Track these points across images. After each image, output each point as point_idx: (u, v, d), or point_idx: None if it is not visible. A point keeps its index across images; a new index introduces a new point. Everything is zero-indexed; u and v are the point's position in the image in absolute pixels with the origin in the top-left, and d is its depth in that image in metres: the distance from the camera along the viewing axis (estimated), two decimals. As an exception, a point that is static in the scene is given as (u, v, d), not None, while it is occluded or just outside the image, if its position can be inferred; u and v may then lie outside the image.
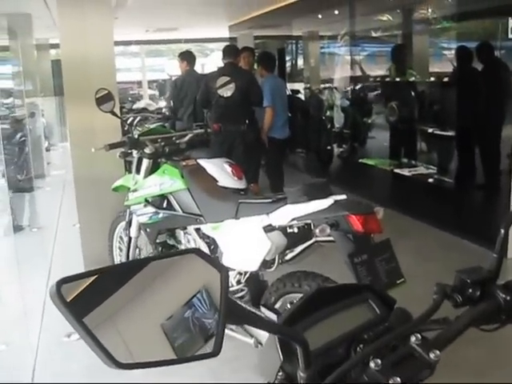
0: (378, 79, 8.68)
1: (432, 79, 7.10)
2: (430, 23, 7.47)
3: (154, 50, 21.00)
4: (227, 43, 14.01)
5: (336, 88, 9.39)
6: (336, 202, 2.54)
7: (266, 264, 2.84)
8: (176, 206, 3.35)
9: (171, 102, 7.18)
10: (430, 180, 6.61)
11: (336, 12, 8.78)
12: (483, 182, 5.98)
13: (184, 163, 3.44)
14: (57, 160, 11.52)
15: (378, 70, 8.98)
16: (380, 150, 8.10)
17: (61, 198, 7.85)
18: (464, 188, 6.05)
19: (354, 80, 8.75)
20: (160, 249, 3.66)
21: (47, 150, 11.28)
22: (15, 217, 6.13)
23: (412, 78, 7.12)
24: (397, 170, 7.08)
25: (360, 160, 8.09)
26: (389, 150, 7.80)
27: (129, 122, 7.69)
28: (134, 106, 11.21)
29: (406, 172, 6.93)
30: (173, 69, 8.30)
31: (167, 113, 7.58)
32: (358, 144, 8.65)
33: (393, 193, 7.28)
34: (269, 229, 2.72)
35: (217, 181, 4.29)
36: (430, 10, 7.34)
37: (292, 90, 10.47)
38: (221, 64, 6.73)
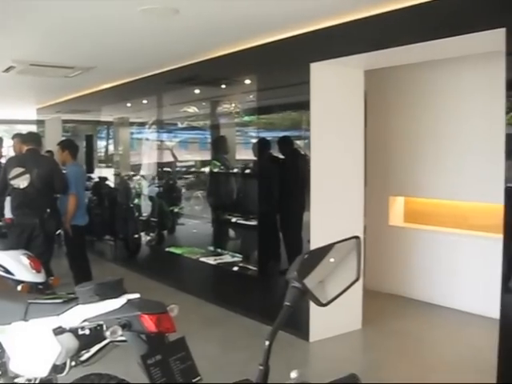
0: (184, 169, 8.85)
1: (236, 170, 7.36)
2: (234, 116, 7.84)
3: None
4: (35, 126, 13.69)
5: (143, 176, 9.46)
6: (129, 301, 2.51)
7: (56, 368, 2.69)
8: (-40, 306, 3.07)
9: None
10: (235, 268, 6.75)
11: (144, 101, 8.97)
12: (286, 268, 6.19)
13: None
14: None
15: (189, 156, 9.17)
16: (188, 239, 8.17)
17: None
18: (267, 275, 6.24)
19: (162, 168, 8.85)
20: None
21: None
22: None
23: (216, 169, 7.35)
24: (202, 259, 7.17)
25: (167, 249, 8.11)
26: (196, 239, 7.92)
27: None
28: None
29: (211, 261, 7.04)
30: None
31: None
32: (167, 232, 8.68)
33: (198, 282, 7.31)
34: (59, 331, 2.58)
35: (13, 274, 4.07)
36: (233, 105, 7.72)
37: (100, 177, 10.37)
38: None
